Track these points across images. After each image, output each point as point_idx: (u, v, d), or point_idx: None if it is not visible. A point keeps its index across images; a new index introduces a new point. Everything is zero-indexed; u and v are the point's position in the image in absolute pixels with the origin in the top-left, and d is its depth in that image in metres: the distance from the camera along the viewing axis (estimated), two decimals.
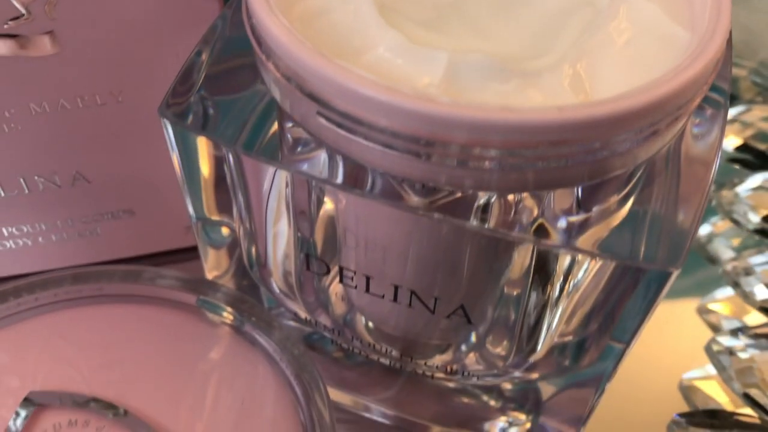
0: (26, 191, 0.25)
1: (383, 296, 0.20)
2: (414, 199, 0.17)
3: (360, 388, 0.26)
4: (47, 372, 0.21)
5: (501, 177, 0.15)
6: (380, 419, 0.26)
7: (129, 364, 0.22)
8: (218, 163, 0.21)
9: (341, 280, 0.20)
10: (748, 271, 0.29)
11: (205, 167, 0.21)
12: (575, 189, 0.17)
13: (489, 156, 0.15)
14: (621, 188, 0.17)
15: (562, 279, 0.19)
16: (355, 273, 0.20)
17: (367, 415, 0.26)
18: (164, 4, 0.22)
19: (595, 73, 0.16)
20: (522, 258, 0.18)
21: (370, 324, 0.23)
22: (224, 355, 0.23)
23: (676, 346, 0.29)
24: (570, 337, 0.21)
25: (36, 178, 0.25)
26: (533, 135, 0.14)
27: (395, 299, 0.20)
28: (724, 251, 0.31)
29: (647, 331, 0.19)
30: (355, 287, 0.20)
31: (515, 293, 0.19)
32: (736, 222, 0.31)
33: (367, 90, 0.14)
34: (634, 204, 0.17)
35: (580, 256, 0.17)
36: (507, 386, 0.24)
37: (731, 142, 0.34)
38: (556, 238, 0.17)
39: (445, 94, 0.15)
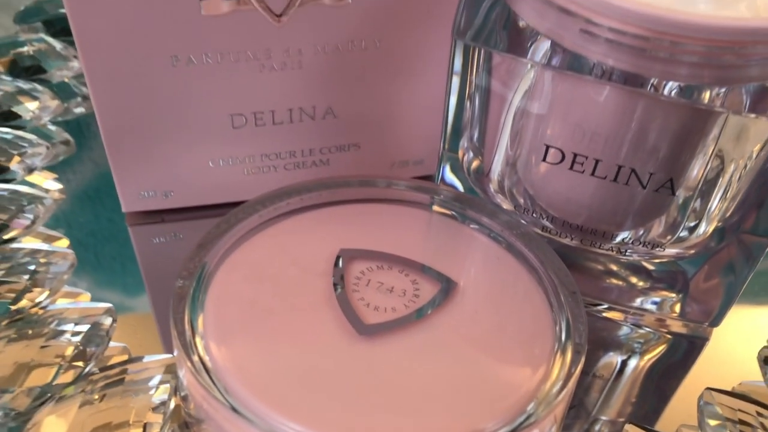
0: (290, 122, 0.32)
1: (605, 177, 0.27)
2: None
3: None
4: (333, 247, 0.27)
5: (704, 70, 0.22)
6: None
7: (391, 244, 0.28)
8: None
9: (572, 167, 0.27)
10: None
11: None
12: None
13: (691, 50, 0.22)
14: None
15: (741, 155, 0.25)
16: (586, 158, 0.26)
17: None
18: None
19: None
20: (720, 133, 0.25)
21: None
22: (461, 240, 0.29)
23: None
24: (723, 221, 0.28)
25: (300, 109, 0.32)
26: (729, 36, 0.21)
27: (615, 179, 0.27)
28: None
29: None
30: (583, 172, 0.27)
31: (707, 166, 0.26)
32: None
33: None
34: None
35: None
36: (650, 267, 0.30)
37: None
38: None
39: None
